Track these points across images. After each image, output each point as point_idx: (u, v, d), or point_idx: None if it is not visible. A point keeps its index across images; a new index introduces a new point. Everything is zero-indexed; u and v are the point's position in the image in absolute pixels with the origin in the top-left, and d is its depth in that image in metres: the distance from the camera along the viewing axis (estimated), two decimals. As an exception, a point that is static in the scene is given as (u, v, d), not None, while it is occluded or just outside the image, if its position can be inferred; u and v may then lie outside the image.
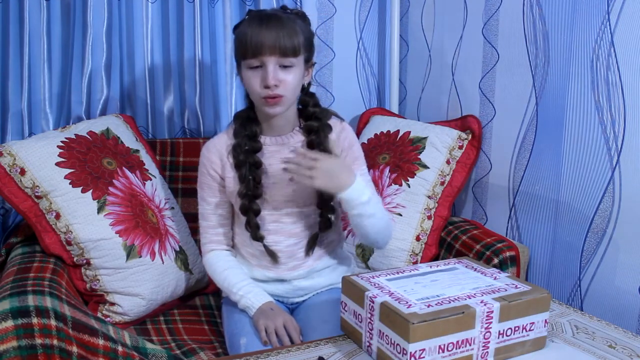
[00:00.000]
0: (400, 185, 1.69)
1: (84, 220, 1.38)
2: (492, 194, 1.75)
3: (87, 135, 1.49)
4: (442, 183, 1.70)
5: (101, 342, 1.11)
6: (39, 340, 1.05)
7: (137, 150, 1.58)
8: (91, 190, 1.40)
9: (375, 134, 1.85)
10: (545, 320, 1.06)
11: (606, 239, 1.39)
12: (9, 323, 1.04)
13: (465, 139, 1.74)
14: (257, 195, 1.34)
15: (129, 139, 1.59)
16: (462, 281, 1.10)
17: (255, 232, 1.35)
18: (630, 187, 1.33)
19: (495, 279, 1.12)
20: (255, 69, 1.26)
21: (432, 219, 1.68)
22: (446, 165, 1.71)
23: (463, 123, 1.79)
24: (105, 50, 1.69)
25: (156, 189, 1.57)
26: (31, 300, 1.08)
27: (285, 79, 1.25)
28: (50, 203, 1.37)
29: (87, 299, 1.42)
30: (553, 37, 1.49)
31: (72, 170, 1.40)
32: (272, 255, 1.37)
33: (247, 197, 1.33)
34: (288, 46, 1.23)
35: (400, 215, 1.66)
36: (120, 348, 1.12)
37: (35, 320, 1.05)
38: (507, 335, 1.02)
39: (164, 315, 1.52)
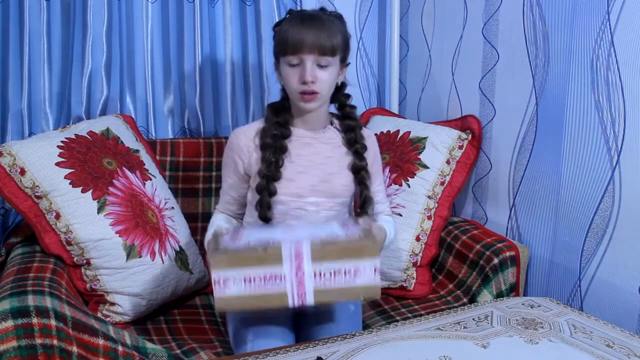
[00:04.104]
0: (400, 185, 1.69)
1: (84, 220, 1.38)
2: (492, 194, 1.75)
3: (87, 135, 1.50)
4: (442, 183, 1.70)
5: (101, 342, 1.11)
6: (39, 340, 1.05)
7: (137, 150, 1.58)
8: (91, 190, 1.40)
9: (375, 134, 1.84)
10: (376, 269, 1.08)
11: (606, 239, 1.39)
12: (9, 323, 1.04)
13: (465, 139, 1.74)
14: (276, 177, 1.36)
15: (129, 139, 1.59)
16: (309, 229, 1.17)
17: (265, 212, 1.36)
18: (630, 187, 1.33)
19: (345, 229, 1.17)
20: (294, 65, 1.32)
21: (432, 219, 1.68)
22: (446, 165, 1.71)
23: (463, 123, 1.79)
24: (105, 50, 1.69)
25: (156, 189, 1.57)
26: (31, 300, 1.08)
27: (322, 77, 1.31)
28: (50, 203, 1.37)
29: (87, 299, 1.42)
30: (553, 37, 1.49)
31: (72, 170, 1.40)
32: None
33: (266, 178, 1.35)
34: (327, 46, 1.29)
35: (400, 215, 1.66)
36: (120, 348, 1.12)
37: (35, 320, 1.05)
38: (325, 277, 1.07)
39: (164, 315, 1.52)
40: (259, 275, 1.05)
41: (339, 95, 1.43)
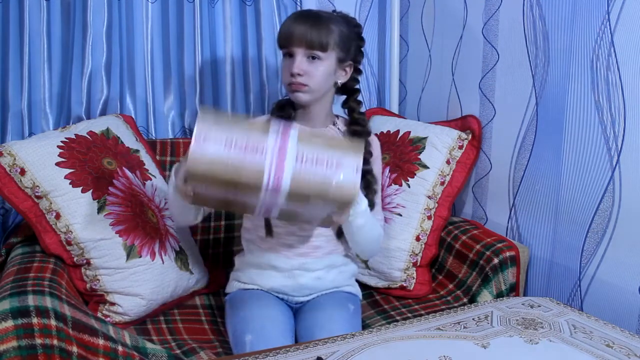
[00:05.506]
0: (400, 185, 1.69)
1: (84, 220, 1.38)
2: (492, 194, 1.75)
3: (87, 135, 1.50)
4: (442, 183, 1.70)
5: (101, 342, 1.11)
6: (39, 340, 1.05)
7: (137, 150, 1.58)
8: (91, 190, 1.40)
9: (375, 134, 1.84)
10: (357, 168, 1.08)
11: (606, 239, 1.39)
12: (9, 323, 1.04)
13: (465, 139, 1.74)
14: None
15: (129, 139, 1.59)
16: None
17: None
18: (630, 187, 1.33)
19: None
20: (288, 57, 1.35)
21: (432, 219, 1.68)
22: (446, 165, 1.71)
23: (463, 123, 1.79)
24: (105, 50, 1.69)
25: (156, 189, 1.57)
26: (31, 300, 1.08)
27: (311, 70, 1.33)
28: (50, 203, 1.37)
29: (87, 299, 1.42)
30: (553, 37, 1.49)
31: (72, 170, 1.40)
32: (268, 227, 1.37)
33: None
34: (315, 40, 1.31)
35: (400, 215, 1.66)
36: (120, 348, 1.13)
37: (35, 320, 1.06)
38: (307, 162, 1.04)
39: (164, 315, 1.52)
40: (242, 143, 1.01)
41: (350, 101, 1.44)
